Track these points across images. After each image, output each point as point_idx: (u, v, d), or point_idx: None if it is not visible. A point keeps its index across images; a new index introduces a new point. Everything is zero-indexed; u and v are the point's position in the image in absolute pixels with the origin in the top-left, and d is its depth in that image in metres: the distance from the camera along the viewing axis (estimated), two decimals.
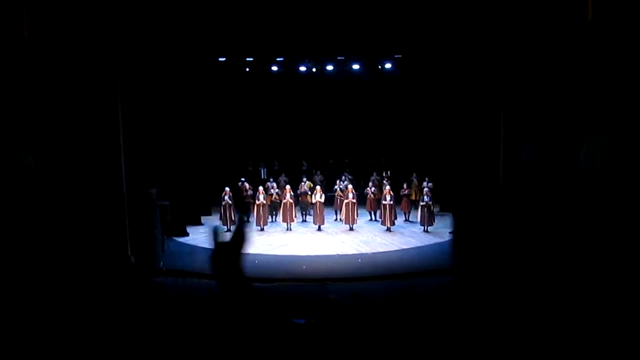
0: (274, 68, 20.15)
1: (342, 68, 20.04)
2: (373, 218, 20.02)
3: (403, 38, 16.65)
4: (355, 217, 19.08)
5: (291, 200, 19.12)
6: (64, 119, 12.56)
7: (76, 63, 12.87)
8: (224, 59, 18.67)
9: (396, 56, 19.11)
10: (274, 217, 20.05)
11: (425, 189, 18.54)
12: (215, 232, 8.91)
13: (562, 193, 12.38)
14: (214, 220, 19.80)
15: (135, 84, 15.03)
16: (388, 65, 19.70)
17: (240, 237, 8.57)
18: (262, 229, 18.87)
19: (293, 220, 19.25)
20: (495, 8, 13.78)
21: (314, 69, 20.27)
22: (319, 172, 22.39)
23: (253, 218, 19.15)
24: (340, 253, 16.41)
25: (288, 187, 19.51)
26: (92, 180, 13.70)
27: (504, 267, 13.34)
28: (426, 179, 19.43)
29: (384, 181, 20.27)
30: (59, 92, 12.37)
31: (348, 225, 18.95)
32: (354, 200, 18.92)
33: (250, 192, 19.64)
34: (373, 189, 19.74)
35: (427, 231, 18.36)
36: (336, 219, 20.14)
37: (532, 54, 13.29)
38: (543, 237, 12.86)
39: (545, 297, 10.46)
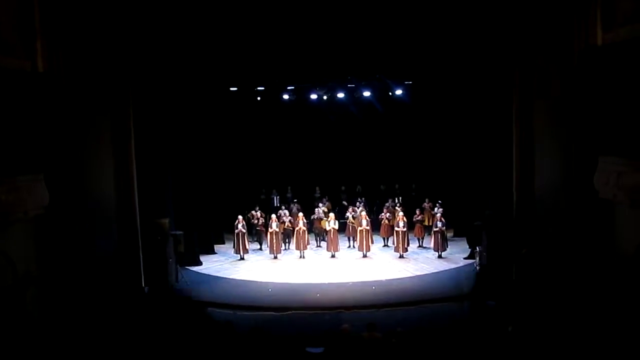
0: (285, 96, 20.26)
1: (353, 95, 20.11)
2: (386, 244, 19.95)
3: (413, 64, 16.74)
4: (370, 244, 19.02)
5: (304, 228, 19.08)
6: (77, 151, 12.66)
7: (88, 95, 13.02)
8: (235, 89, 18.81)
9: (407, 82, 19.16)
10: (287, 244, 20.00)
11: (438, 215, 18.48)
12: None
13: (576, 216, 12.27)
14: (227, 249, 19.79)
15: (148, 115, 15.17)
16: (399, 92, 19.73)
17: None
18: (275, 257, 18.82)
19: (306, 248, 19.19)
20: (506, 32, 13.86)
21: (324, 97, 20.35)
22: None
23: (266, 246, 19.14)
24: (354, 280, 16.28)
25: (301, 214, 19.49)
26: (106, 211, 13.77)
27: (514, 291, 13.23)
28: (437, 204, 19.61)
29: (397, 207, 20.19)
30: (72, 124, 12.48)
31: (362, 253, 18.88)
32: (368, 227, 18.87)
33: (262, 220, 19.65)
34: (388, 214, 19.67)
35: (441, 257, 18.23)
36: (349, 246, 20.08)
37: (543, 76, 13.30)
38: (555, 260, 12.74)
39: (559, 323, 10.32)
